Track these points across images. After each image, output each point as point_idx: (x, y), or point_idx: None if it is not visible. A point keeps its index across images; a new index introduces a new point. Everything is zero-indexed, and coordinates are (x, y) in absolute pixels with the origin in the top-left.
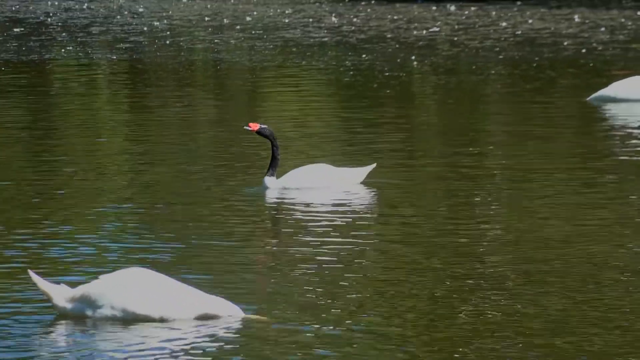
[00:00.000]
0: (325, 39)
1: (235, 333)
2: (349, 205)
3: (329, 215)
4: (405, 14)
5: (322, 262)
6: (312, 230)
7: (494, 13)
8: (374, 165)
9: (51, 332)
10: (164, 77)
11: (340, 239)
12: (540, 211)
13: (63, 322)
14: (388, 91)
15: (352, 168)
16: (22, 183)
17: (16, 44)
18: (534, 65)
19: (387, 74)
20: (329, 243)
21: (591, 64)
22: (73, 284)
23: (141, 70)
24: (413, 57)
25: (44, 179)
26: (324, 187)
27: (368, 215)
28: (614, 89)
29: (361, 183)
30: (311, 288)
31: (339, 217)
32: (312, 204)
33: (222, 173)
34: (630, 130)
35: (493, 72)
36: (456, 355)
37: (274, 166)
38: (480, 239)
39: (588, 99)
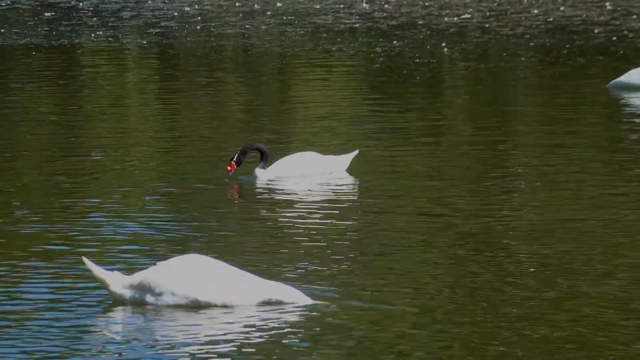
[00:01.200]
0: (356, 25)
1: (297, 318)
2: (371, 192)
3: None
4: (437, 1)
5: (362, 247)
6: (328, 217)
7: (525, 0)
8: (357, 151)
9: (109, 319)
10: (194, 63)
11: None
12: (567, 200)
13: (120, 309)
14: (418, 78)
15: (337, 155)
16: (52, 168)
17: (47, 29)
18: (564, 52)
19: (417, 60)
20: (353, 230)
21: (621, 52)
22: (117, 271)
23: (171, 55)
24: (444, 44)
25: (74, 165)
26: (312, 176)
27: (386, 202)
28: (629, 76)
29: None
30: (353, 270)
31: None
32: (315, 191)
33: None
34: None
35: (523, 59)
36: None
37: (266, 159)
38: (501, 225)
39: (607, 85)
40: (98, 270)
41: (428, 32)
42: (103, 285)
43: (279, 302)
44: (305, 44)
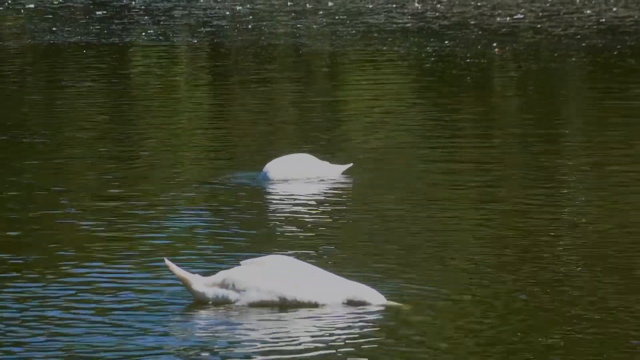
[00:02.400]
0: (408, 25)
1: (379, 318)
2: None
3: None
4: (490, 1)
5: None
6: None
7: (578, 0)
8: (351, 164)
9: (193, 319)
10: (245, 61)
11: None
12: (618, 201)
13: (203, 308)
14: (468, 78)
15: (331, 164)
16: (104, 168)
17: (98, 27)
18: (616, 53)
19: (468, 60)
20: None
21: None
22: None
23: (222, 54)
24: (495, 44)
25: (126, 163)
26: (308, 178)
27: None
28: None
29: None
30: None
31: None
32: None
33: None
34: None
35: (574, 59)
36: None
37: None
38: (550, 225)
39: None
40: (179, 270)
41: (480, 32)
42: (185, 285)
43: (361, 302)
44: (356, 43)
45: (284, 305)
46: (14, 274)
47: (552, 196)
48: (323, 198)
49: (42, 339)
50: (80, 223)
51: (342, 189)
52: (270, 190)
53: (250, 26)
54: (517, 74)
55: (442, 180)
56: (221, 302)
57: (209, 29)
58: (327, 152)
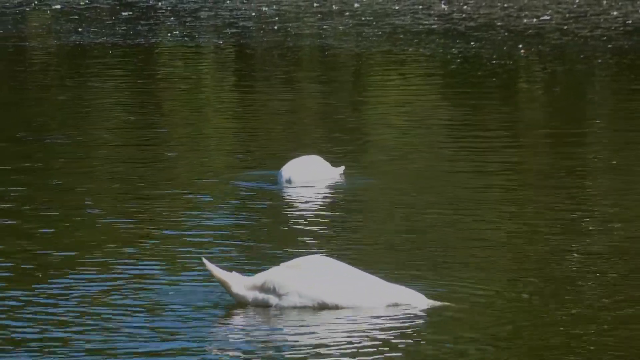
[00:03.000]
0: (434, 26)
1: (424, 319)
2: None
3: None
4: (517, 2)
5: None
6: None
7: (605, 2)
8: (343, 167)
9: (233, 320)
10: (271, 62)
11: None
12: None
13: (242, 310)
14: (494, 79)
15: (332, 166)
16: (128, 167)
17: (124, 28)
18: None
19: (494, 62)
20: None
21: None
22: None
23: (248, 55)
24: (520, 45)
25: (150, 164)
26: (321, 180)
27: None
28: None
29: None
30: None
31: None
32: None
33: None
34: None
35: (600, 61)
36: None
37: None
38: (579, 223)
39: None
40: (218, 272)
41: (506, 34)
42: (224, 287)
43: (404, 305)
44: (382, 44)
45: (325, 309)
46: (52, 271)
47: (579, 196)
48: (348, 199)
49: (79, 337)
50: (108, 223)
51: (365, 190)
52: (291, 192)
53: (276, 27)
54: (543, 75)
55: (468, 181)
56: (261, 305)
57: (234, 30)
58: (350, 153)
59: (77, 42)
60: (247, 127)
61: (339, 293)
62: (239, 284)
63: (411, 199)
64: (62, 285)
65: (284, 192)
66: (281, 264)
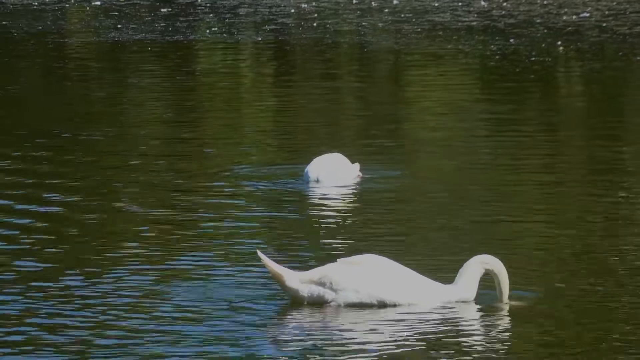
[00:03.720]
0: (474, 23)
1: (476, 317)
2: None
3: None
4: None
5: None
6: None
7: None
8: (357, 164)
9: (287, 317)
10: (309, 59)
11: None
12: None
13: (296, 305)
14: (532, 76)
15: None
16: (167, 163)
17: (163, 24)
18: None
19: (532, 59)
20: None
21: None
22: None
23: (287, 51)
24: (559, 43)
25: (188, 160)
26: (344, 179)
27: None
28: None
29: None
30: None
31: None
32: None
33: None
34: None
35: (639, 58)
36: None
37: None
38: (617, 220)
39: None
40: (273, 265)
41: (545, 31)
42: (278, 281)
43: (455, 303)
44: (421, 41)
45: (382, 306)
46: (97, 269)
47: (619, 192)
48: (382, 197)
49: (131, 331)
50: (148, 215)
51: (400, 186)
52: (319, 191)
53: (315, 24)
54: (582, 73)
55: (505, 177)
56: (316, 301)
57: (273, 27)
58: (389, 149)
59: (116, 39)
60: (284, 123)
61: (397, 291)
62: (294, 278)
63: (447, 195)
64: (114, 277)
65: (312, 191)
66: (338, 260)
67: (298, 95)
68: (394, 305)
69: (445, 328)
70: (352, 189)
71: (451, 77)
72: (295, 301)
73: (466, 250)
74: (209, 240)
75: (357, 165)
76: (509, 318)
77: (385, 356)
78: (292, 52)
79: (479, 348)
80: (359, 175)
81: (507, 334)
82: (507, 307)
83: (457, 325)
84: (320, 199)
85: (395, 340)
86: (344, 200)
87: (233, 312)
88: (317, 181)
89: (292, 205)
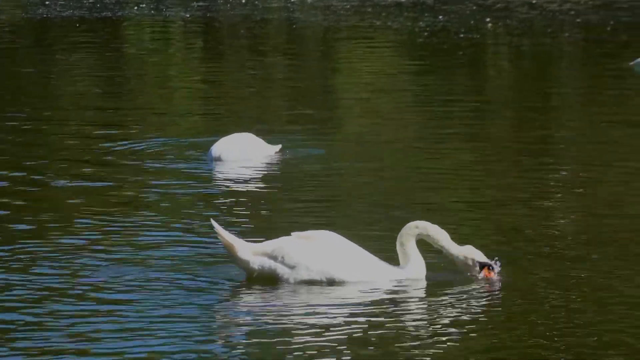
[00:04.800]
0: (402, 0)
1: (428, 296)
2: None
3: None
4: None
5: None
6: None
7: None
8: (280, 146)
9: (239, 295)
10: (238, 36)
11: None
12: (608, 172)
13: (247, 284)
14: (460, 53)
15: (266, 144)
16: (93, 138)
17: (91, 1)
18: (609, 29)
19: (461, 35)
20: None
21: None
22: None
23: (215, 28)
24: (488, 19)
25: (114, 135)
26: (252, 158)
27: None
28: None
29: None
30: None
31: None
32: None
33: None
34: None
35: (567, 34)
36: None
37: None
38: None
39: (631, 63)
40: (227, 235)
41: (474, 8)
42: (229, 251)
43: (405, 282)
44: (350, 18)
45: (332, 283)
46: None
47: (543, 167)
48: (287, 175)
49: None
50: (70, 192)
51: (322, 164)
52: (221, 169)
53: (243, 0)
54: (510, 49)
55: (431, 152)
56: (267, 274)
57: (202, 3)
58: (318, 126)
59: (45, 15)
60: (211, 99)
61: (347, 269)
62: (246, 249)
63: (371, 171)
64: (34, 252)
65: (214, 170)
66: (292, 233)
67: (226, 71)
68: (344, 283)
69: (393, 308)
70: (256, 169)
71: (380, 53)
72: (246, 274)
73: (377, 224)
74: (130, 218)
75: (274, 147)
76: (452, 295)
77: (336, 335)
78: (220, 28)
79: (423, 327)
80: (275, 155)
81: (451, 310)
82: (449, 284)
83: (403, 305)
84: (218, 177)
85: (345, 320)
86: (243, 179)
87: (181, 292)
88: (220, 160)
89: (190, 181)
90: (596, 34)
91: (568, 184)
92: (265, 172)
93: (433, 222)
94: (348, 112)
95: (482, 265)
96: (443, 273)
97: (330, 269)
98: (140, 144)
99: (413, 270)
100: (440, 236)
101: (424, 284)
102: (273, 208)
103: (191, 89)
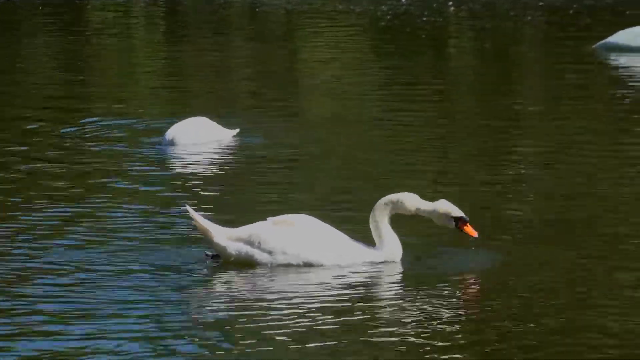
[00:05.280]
0: None
1: (405, 277)
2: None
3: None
4: None
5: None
6: None
7: None
8: (238, 129)
9: (214, 280)
10: (201, 20)
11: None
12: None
13: (223, 269)
14: (423, 36)
15: (223, 128)
16: (53, 121)
17: None
18: (571, 12)
19: (423, 19)
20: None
21: (628, 12)
22: None
23: (178, 12)
24: (450, 3)
25: (73, 119)
26: (207, 142)
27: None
28: (617, 37)
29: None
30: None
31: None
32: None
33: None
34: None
35: (530, 18)
36: None
37: None
38: (502, 176)
39: (594, 46)
40: (201, 220)
41: None
42: (206, 237)
43: (382, 264)
44: (313, 1)
45: (309, 267)
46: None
47: (507, 147)
48: (236, 159)
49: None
50: (30, 179)
51: (281, 147)
52: (176, 153)
53: None
54: (473, 32)
55: (394, 132)
56: (243, 259)
57: None
58: (280, 109)
59: None
60: (174, 82)
61: (324, 253)
62: (222, 234)
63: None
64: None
65: (168, 154)
66: (268, 219)
67: (189, 56)
68: (320, 266)
69: (367, 291)
70: (209, 152)
71: (343, 36)
72: (223, 259)
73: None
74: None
75: (231, 131)
76: (426, 276)
77: (314, 320)
78: (184, 11)
79: (399, 310)
80: (231, 139)
81: (426, 292)
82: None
83: (378, 288)
84: (171, 161)
85: (323, 303)
86: (196, 162)
87: (156, 277)
88: (174, 144)
89: (143, 165)
90: (559, 17)
91: (531, 164)
92: (219, 156)
93: None
94: (310, 94)
95: (457, 220)
96: (418, 252)
97: (306, 253)
98: (99, 127)
99: (389, 251)
100: (412, 200)
101: (399, 265)
102: (224, 192)
103: (154, 72)
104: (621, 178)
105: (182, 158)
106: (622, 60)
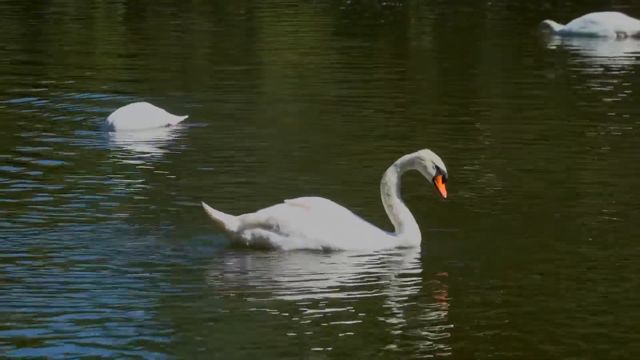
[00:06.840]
0: None
1: (420, 264)
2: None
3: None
4: None
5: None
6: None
7: None
8: (186, 116)
9: (228, 260)
10: (161, 4)
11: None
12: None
13: (236, 249)
14: (382, 21)
15: (168, 113)
16: (9, 105)
17: None
18: None
19: (383, 3)
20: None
21: None
22: None
23: None
24: None
25: (26, 104)
26: (151, 128)
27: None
28: (570, 25)
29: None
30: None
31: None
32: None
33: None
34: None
35: (490, 3)
36: None
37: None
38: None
39: (543, 29)
40: (214, 212)
41: None
42: (220, 228)
43: (401, 250)
44: None
45: (328, 251)
46: None
47: (465, 130)
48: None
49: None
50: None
51: (230, 131)
52: (116, 138)
53: None
54: (433, 18)
55: (353, 115)
56: (259, 243)
57: None
58: (238, 92)
59: None
60: (136, 68)
61: (343, 238)
62: (235, 221)
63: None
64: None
65: (106, 139)
66: (285, 201)
67: (149, 40)
68: (339, 251)
69: (387, 274)
70: (151, 139)
71: (302, 21)
72: (238, 244)
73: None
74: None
75: (178, 117)
76: (442, 264)
77: (328, 304)
78: None
79: (416, 297)
80: (177, 125)
81: (441, 278)
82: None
83: (396, 274)
84: (109, 146)
85: (339, 287)
86: (136, 149)
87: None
88: (114, 129)
89: (80, 151)
90: (519, 2)
91: (490, 146)
92: (158, 142)
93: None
94: (270, 76)
95: (439, 172)
96: (437, 240)
97: (325, 237)
98: (44, 108)
99: (408, 237)
100: (406, 158)
101: (418, 251)
102: (162, 179)
103: (112, 53)
104: (579, 161)
105: (120, 144)
106: (577, 43)
